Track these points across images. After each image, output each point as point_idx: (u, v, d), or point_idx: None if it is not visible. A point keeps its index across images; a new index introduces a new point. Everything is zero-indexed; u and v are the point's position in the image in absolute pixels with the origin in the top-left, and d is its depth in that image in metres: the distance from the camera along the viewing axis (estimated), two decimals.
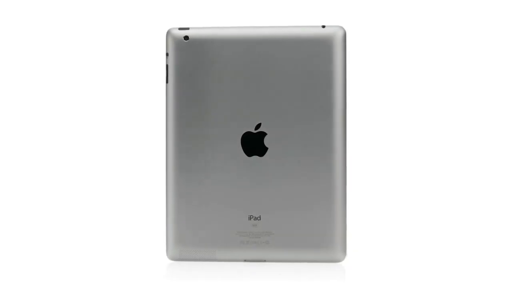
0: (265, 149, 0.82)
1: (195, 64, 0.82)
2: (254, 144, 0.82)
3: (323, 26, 0.83)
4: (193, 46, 0.82)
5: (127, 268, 0.81)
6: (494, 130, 1.10)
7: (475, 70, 1.11)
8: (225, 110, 0.82)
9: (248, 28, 0.83)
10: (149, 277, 0.79)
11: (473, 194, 1.09)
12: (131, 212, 1.06)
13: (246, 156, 0.82)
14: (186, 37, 0.82)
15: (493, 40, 1.10)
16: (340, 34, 0.83)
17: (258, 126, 0.82)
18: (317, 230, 0.83)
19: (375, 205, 1.08)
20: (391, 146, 1.11)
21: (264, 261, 0.83)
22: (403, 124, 1.11)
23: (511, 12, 1.09)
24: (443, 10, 1.10)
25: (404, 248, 0.92)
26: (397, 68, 1.10)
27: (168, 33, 0.82)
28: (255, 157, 0.82)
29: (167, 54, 0.82)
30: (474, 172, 1.10)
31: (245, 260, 0.83)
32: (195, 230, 0.82)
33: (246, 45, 0.83)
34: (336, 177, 0.83)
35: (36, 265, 0.82)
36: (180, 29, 0.82)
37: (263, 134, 0.82)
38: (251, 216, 0.82)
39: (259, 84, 0.82)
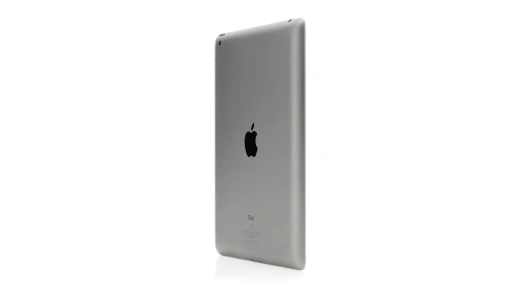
0: (256, 149, 0.83)
1: (220, 67, 0.88)
2: (250, 144, 0.84)
3: (289, 20, 0.78)
4: (221, 51, 0.88)
5: (183, 256, 0.91)
6: (476, 126, 1.08)
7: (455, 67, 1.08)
8: (232, 111, 0.86)
9: (240, 30, 0.85)
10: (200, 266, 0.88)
11: (444, 198, 1.06)
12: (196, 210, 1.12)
13: (246, 156, 0.84)
14: (219, 42, 0.89)
15: (476, 35, 1.08)
16: (296, 25, 0.77)
17: (253, 126, 0.83)
18: (281, 236, 0.79)
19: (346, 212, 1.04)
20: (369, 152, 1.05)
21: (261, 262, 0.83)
22: (381, 128, 1.06)
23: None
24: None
25: (365, 256, 0.87)
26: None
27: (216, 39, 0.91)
28: (251, 157, 0.84)
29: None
30: (448, 174, 1.08)
31: (251, 260, 0.85)
32: (221, 228, 0.88)
33: (235, 46, 0.85)
34: (293, 187, 0.77)
35: (95, 257, 0.89)
36: (220, 35, 0.89)
37: (255, 134, 0.83)
38: (249, 216, 0.84)
39: (250, 83, 0.83)
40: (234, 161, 0.85)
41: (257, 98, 0.81)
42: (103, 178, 1.25)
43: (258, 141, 0.82)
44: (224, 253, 0.87)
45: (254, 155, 0.82)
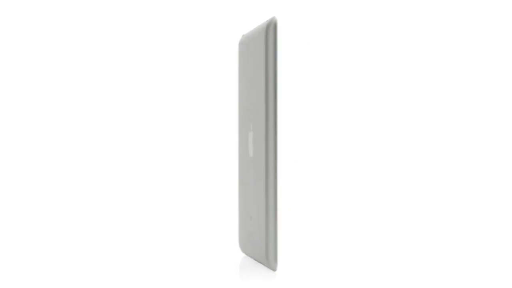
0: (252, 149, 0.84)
1: (239, 68, 0.90)
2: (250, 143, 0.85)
3: (267, 20, 0.79)
4: (239, 52, 0.90)
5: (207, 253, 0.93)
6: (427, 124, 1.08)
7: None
8: (244, 111, 0.88)
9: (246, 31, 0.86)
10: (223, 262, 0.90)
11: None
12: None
13: (248, 156, 0.86)
14: (240, 43, 0.91)
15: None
16: (271, 24, 0.77)
17: (251, 126, 0.84)
18: (260, 236, 0.79)
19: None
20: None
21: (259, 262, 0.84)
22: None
23: None
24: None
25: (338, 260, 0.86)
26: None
27: None
28: (250, 157, 0.85)
29: None
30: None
31: (255, 259, 0.86)
32: (240, 227, 0.89)
33: (242, 47, 0.86)
34: (269, 189, 0.78)
35: (119, 255, 0.91)
36: (242, 35, 0.91)
37: (253, 134, 0.84)
38: (250, 216, 0.85)
39: (247, 83, 0.85)
40: (245, 161, 0.86)
41: (250, 98, 0.82)
42: (126, 178, 1.28)
43: (253, 141, 0.82)
44: (245, 252, 0.89)
45: (252, 154, 0.83)
